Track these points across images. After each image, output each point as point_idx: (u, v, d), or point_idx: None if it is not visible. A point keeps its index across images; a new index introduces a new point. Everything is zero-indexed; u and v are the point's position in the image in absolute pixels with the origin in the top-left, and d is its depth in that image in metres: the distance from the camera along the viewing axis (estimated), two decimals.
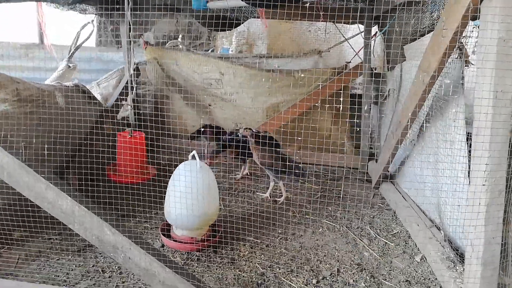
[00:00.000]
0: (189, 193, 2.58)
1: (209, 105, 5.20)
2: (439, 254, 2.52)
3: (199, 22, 4.47)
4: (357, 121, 4.73)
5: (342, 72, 4.69)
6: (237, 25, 4.36)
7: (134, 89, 3.81)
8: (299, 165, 3.64)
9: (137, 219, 3.13)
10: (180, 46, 5.56)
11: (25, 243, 2.63)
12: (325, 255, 2.74)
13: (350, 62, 4.76)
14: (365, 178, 4.38)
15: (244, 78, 4.92)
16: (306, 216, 3.36)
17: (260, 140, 3.57)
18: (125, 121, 4.43)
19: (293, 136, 4.79)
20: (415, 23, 3.23)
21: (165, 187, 2.76)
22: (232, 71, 4.92)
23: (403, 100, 3.87)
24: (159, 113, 4.21)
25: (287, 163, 3.50)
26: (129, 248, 1.85)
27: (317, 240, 2.96)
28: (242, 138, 3.90)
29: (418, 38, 3.39)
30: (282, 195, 3.64)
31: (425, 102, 2.60)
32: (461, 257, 2.39)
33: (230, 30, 5.02)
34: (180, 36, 6.16)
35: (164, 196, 2.76)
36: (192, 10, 3.76)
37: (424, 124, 2.89)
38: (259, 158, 3.56)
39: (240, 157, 4.07)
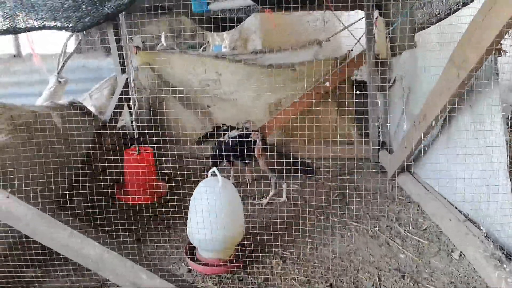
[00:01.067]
0: (213, 214, 2.41)
1: (208, 106, 5.00)
2: (481, 252, 2.41)
3: (201, 26, 4.22)
4: (364, 109, 4.61)
5: (345, 61, 4.52)
6: (238, 24, 4.13)
7: (136, 103, 3.57)
8: (309, 164, 3.51)
9: (155, 241, 2.96)
10: (164, 45, 5.30)
11: (40, 284, 2.43)
12: (360, 262, 2.62)
13: (351, 50, 4.59)
14: (379, 170, 4.26)
15: (243, 76, 4.72)
16: (330, 218, 3.22)
17: (268, 146, 3.41)
18: (124, 131, 4.22)
19: (298, 131, 4.63)
20: (426, 9, 3.07)
21: (179, 203, 2.60)
22: (229, 70, 4.70)
23: (414, 88, 3.74)
24: (158, 117, 4.00)
25: (296, 166, 3.35)
26: None
27: (348, 245, 2.83)
28: (246, 133, 3.70)
29: (428, 26, 3.23)
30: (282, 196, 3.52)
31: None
32: (507, 256, 2.29)
33: (231, 29, 4.78)
34: (163, 35, 5.89)
35: (182, 214, 2.59)
36: (191, 13, 3.53)
37: (449, 116, 2.75)
38: (266, 165, 3.40)
39: (239, 160, 3.84)
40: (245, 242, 2.70)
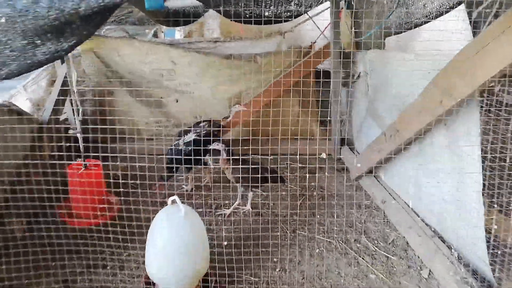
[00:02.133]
0: (174, 249, 2.16)
1: (162, 98, 4.60)
2: (451, 274, 2.39)
3: (157, 20, 3.75)
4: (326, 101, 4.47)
5: (310, 53, 4.30)
6: (196, 19, 3.72)
7: (80, 109, 3.11)
8: (276, 171, 3.34)
9: (109, 268, 2.67)
10: (118, 29, 4.76)
11: None
12: (331, 286, 2.52)
13: (315, 42, 4.36)
14: (344, 167, 4.19)
15: (201, 67, 4.36)
16: (297, 231, 3.09)
17: (231, 157, 3.17)
18: (66, 125, 3.77)
19: (259, 127, 4.40)
20: (399, 13, 2.89)
21: (136, 221, 2.33)
22: (186, 60, 4.31)
23: (381, 88, 3.61)
24: (106, 111, 3.59)
25: (264, 175, 3.16)
26: None
27: (317, 266, 2.72)
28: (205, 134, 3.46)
29: (399, 32, 3.07)
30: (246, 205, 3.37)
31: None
32: (481, 282, 2.27)
33: (190, 24, 4.33)
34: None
35: (141, 230, 2.33)
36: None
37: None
38: (233, 177, 3.19)
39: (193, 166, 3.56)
40: (209, 271, 2.50)
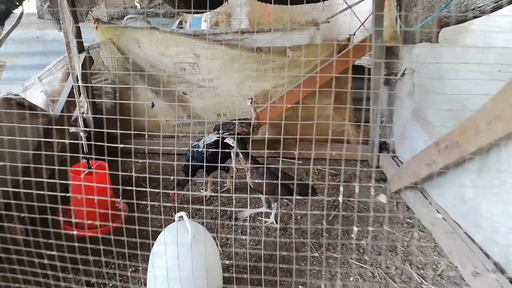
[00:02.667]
0: (181, 274, 1.81)
1: (184, 94, 4.27)
2: None
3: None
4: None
5: (347, 47, 3.82)
6: (220, 3, 3.35)
7: (87, 105, 2.81)
8: (307, 185, 2.88)
9: (111, 284, 2.35)
10: (139, 20, 4.47)
11: None
12: None
13: (354, 34, 3.89)
14: (382, 176, 3.71)
15: (225, 60, 3.98)
16: (328, 252, 2.67)
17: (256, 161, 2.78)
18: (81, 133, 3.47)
19: (288, 129, 3.99)
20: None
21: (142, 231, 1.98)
22: (210, 53, 3.95)
23: (432, 88, 3.11)
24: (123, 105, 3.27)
25: (294, 187, 2.76)
26: None
27: None
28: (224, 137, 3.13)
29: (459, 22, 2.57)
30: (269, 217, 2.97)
31: None
32: None
33: (212, 10, 3.96)
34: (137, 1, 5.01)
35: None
36: None
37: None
38: (253, 182, 2.80)
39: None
40: None
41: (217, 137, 3.22)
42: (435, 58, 2.99)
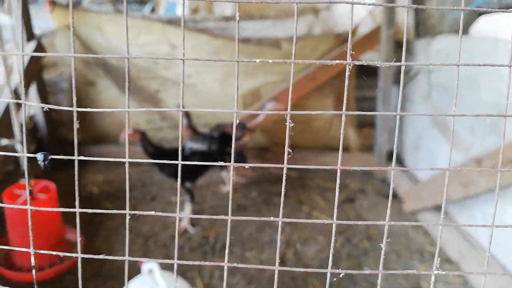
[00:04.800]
0: None
1: (157, 91, 3.62)
2: None
3: None
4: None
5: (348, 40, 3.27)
6: None
7: (25, 110, 2.16)
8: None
9: None
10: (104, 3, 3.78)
11: None
12: None
13: (359, 25, 3.34)
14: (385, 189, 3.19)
15: (207, 53, 3.36)
16: None
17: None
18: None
19: (282, 133, 3.43)
20: None
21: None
22: (189, 43, 3.32)
23: (451, 89, 2.59)
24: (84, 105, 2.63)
25: None
26: None
27: None
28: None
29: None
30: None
31: None
32: None
33: None
34: None
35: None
36: None
37: None
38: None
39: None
40: None
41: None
42: (464, 54, 2.47)
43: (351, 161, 3.43)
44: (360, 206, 3.00)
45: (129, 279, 1.63)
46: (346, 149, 3.63)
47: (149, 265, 1.51)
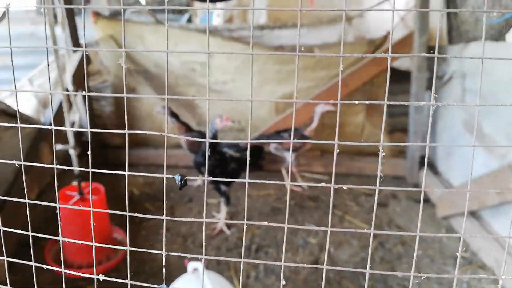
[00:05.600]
0: None
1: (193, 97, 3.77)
2: None
3: None
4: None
5: (383, 46, 3.31)
6: None
7: (77, 116, 2.33)
8: None
9: None
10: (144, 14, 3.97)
11: None
12: None
13: (393, 31, 3.36)
14: (418, 194, 3.20)
15: (242, 60, 3.48)
16: None
17: None
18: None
19: (316, 139, 3.50)
20: None
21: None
22: (225, 51, 3.45)
23: (494, 98, 2.59)
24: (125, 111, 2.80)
25: None
26: None
27: None
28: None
29: None
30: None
31: None
32: None
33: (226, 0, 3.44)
34: None
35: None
36: None
37: None
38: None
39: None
40: None
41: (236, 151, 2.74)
42: (500, 60, 2.46)
43: (383, 166, 3.45)
44: (392, 211, 3.02)
45: (174, 278, 1.74)
46: (377, 154, 3.65)
47: (194, 264, 1.62)
